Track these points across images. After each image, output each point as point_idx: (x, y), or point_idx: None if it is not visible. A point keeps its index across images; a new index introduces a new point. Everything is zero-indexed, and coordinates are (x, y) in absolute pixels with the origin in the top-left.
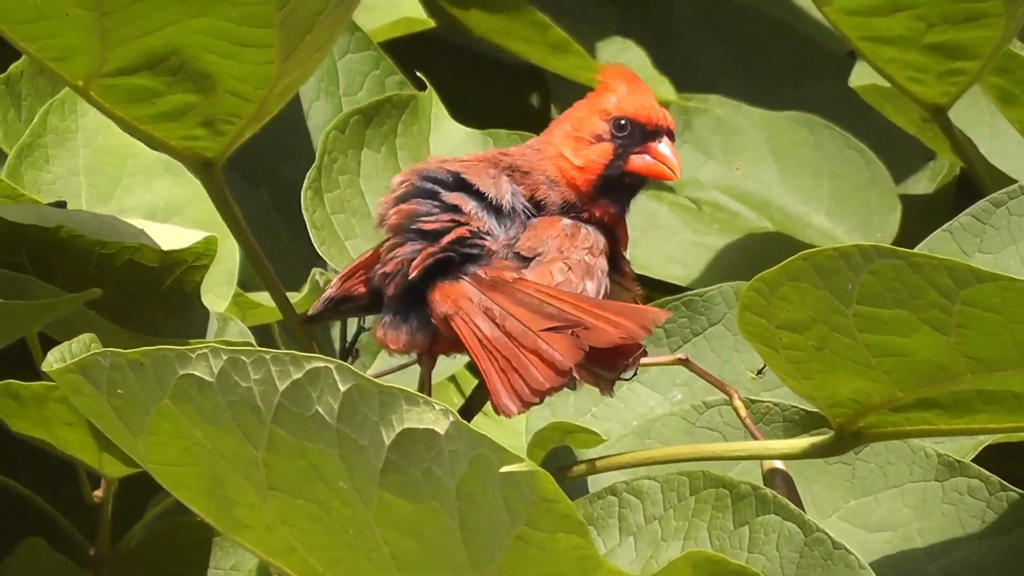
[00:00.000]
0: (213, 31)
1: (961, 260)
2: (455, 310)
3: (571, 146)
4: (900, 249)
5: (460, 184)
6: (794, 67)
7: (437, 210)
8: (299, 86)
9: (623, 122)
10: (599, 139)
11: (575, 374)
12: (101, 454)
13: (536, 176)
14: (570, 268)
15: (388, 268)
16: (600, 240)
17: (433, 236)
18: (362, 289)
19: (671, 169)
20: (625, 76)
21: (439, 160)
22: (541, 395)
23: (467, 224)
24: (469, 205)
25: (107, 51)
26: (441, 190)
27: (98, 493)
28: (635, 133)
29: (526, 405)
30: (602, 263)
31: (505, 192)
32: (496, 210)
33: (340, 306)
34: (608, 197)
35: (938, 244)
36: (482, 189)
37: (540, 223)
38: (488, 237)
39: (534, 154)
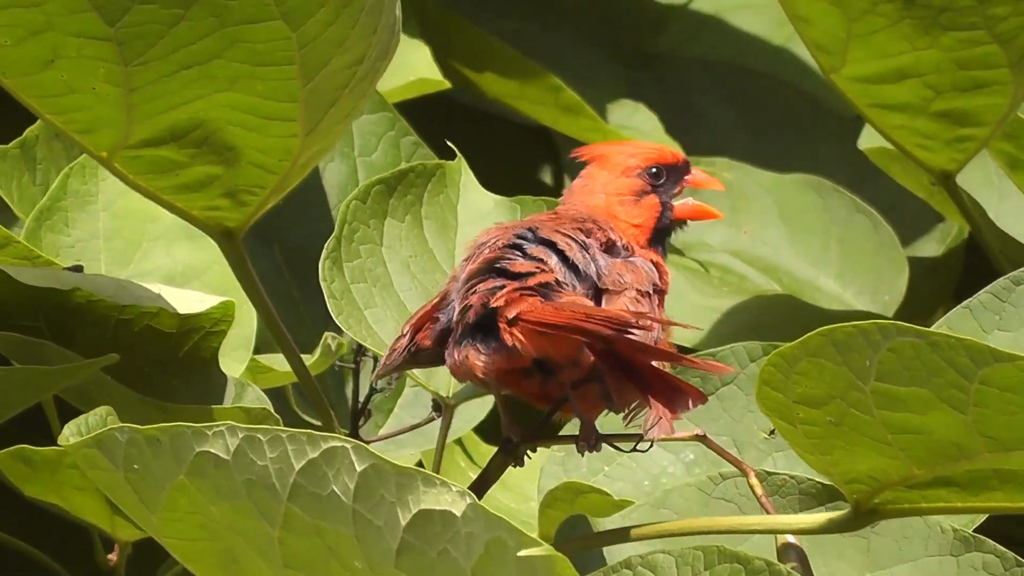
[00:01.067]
0: (239, 105)
1: (980, 338)
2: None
3: (621, 210)
4: (919, 328)
5: (542, 240)
6: (803, 129)
7: (521, 258)
8: (322, 157)
9: (654, 170)
10: (642, 194)
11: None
12: (114, 518)
13: (599, 235)
14: (640, 297)
15: (471, 300)
16: (652, 277)
17: (518, 276)
18: (428, 342)
19: (713, 209)
20: (599, 146)
21: (513, 222)
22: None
23: (552, 272)
24: (552, 260)
25: (133, 124)
26: (525, 243)
27: (112, 557)
28: (669, 175)
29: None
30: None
31: (581, 252)
32: (574, 269)
33: (416, 357)
34: (658, 243)
35: (957, 321)
36: (561, 247)
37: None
38: (568, 288)
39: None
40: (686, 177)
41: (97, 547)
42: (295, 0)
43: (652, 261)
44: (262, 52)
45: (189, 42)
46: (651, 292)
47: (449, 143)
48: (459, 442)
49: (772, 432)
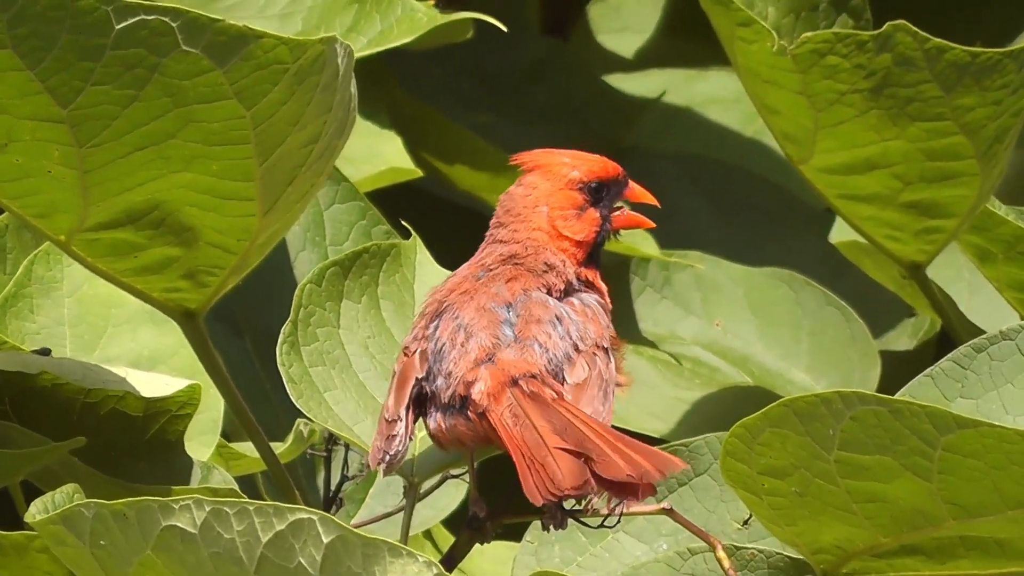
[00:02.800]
0: (194, 185)
1: (943, 406)
2: (489, 408)
3: (563, 224)
4: (881, 396)
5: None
6: (775, 222)
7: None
8: (281, 236)
9: (594, 185)
10: (582, 208)
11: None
12: None
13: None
14: (603, 391)
15: (461, 389)
16: (604, 316)
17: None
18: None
19: (647, 219)
20: (541, 154)
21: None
22: (559, 498)
23: (535, 365)
24: (535, 351)
25: (89, 207)
26: (506, 328)
27: None
28: (610, 190)
29: (547, 499)
30: (612, 371)
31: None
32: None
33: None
34: (594, 259)
35: (920, 389)
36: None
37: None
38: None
39: (526, 244)
40: (625, 190)
41: None
42: (248, 79)
43: (589, 280)
44: (217, 132)
45: (143, 123)
46: (606, 345)
47: (404, 222)
48: (428, 534)
49: (746, 522)
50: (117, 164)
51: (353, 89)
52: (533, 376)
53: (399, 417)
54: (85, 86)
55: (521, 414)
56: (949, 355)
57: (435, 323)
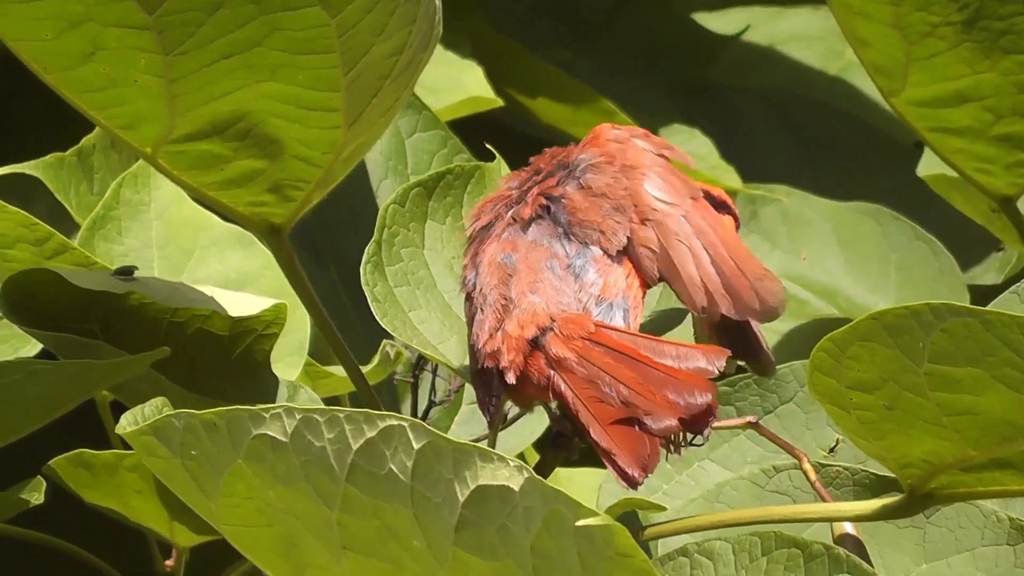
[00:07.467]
0: (280, 95)
1: None
2: (526, 392)
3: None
4: (972, 307)
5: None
6: (861, 157)
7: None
8: (365, 152)
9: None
10: None
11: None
12: (172, 523)
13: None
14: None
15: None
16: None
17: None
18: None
19: None
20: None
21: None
22: (642, 479)
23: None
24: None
25: (175, 118)
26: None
27: (169, 563)
28: None
29: (637, 485)
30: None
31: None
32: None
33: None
34: None
35: (1006, 306)
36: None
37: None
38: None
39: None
40: None
41: (155, 553)
42: None
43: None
44: (302, 40)
45: (228, 30)
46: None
47: (488, 145)
48: (520, 456)
49: (831, 449)
50: (203, 73)
51: (438, 2)
52: (549, 328)
53: (490, 367)
54: None
55: (560, 390)
56: None
57: None
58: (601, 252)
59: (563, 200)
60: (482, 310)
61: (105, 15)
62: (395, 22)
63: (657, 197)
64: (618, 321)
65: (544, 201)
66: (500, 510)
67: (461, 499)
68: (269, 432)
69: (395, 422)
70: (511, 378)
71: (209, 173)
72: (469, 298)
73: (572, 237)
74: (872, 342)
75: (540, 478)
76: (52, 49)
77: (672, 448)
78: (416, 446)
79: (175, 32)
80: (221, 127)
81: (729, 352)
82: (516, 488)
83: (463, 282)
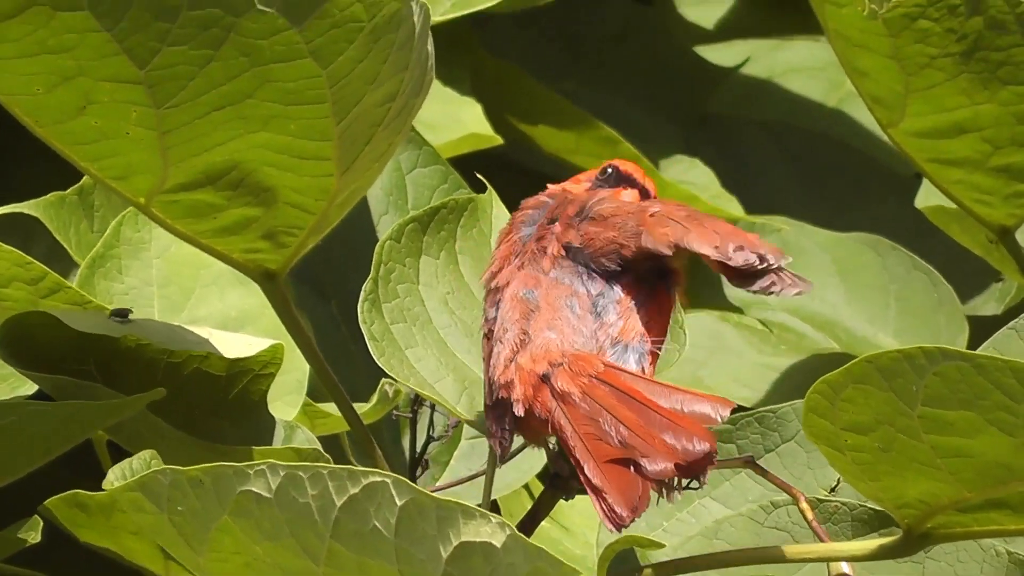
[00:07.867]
0: (272, 145)
1: None
2: (531, 426)
3: None
4: (965, 351)
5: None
6: (860, 188)
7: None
8: (359, 196)
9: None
10: None
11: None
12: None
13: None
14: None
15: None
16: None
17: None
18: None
19: None
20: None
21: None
22: (627, 523)
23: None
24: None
25: (168, 168)
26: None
27: None
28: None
29: (620, 528)
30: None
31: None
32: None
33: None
34: None
35: (1004, 342)
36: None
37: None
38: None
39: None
40: None
41: None
42: (324, 38)
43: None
44: (293, 91)
45: (220, 83)
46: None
47: (479, 176)
48: (525, 486)
49: (832, 489)
50: (195, 124)
51: (430, 47)
52: (559, 364)
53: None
54: (161, 46)
55: (560, 424)
56: None
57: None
58: (624, 293)
59: (581, 235)
60: (501, 342)
61: (97, 70)
62: (387, 70)
63: None
64: (630, 364)
65: (563, 251)
66: (483, 566)
67: (444, 556)
68: (254, 488)
69: (378, 479)
70: (519, 410)
71: (203, 221)
72: (488, 335)
73: (594, 273)
74: (866, 385)
75: (522, 535)
76: (44, 103)
77: (665, 492)
78: (399, 503)
79: (166, 85)
80: (214, 177)
81: (735, 404)
82: (499, 544)
83: (484, 320)
